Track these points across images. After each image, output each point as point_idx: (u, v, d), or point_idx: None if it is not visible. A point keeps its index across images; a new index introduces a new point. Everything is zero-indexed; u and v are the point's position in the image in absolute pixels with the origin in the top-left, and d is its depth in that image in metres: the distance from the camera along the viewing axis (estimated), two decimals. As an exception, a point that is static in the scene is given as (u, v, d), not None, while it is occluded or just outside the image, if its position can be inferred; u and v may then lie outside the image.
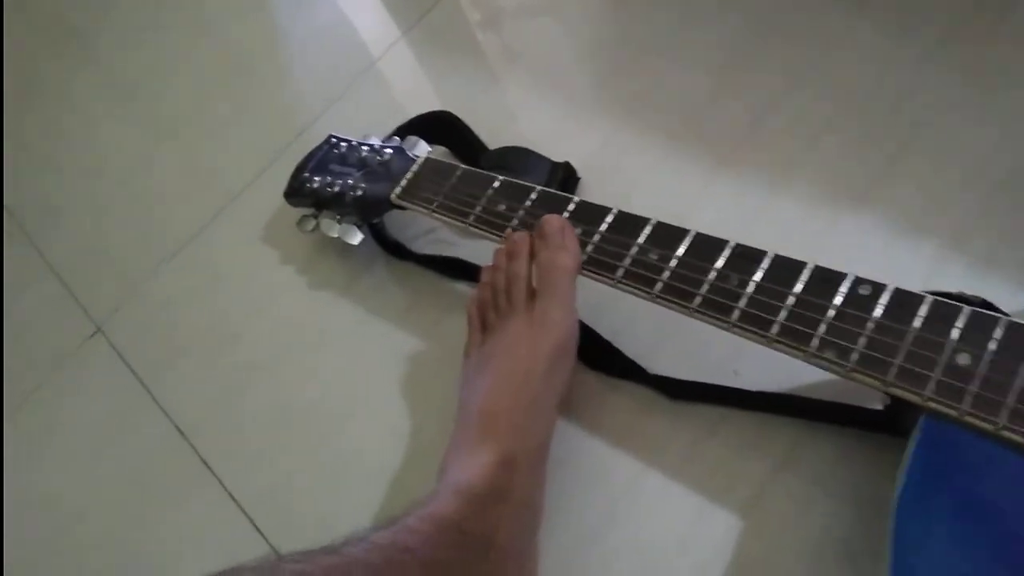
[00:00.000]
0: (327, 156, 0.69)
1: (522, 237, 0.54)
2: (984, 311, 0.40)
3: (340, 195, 0.66)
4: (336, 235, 0.66)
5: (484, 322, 0.55)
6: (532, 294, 0.53)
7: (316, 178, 0.68)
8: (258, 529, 0.61)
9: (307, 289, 0.72)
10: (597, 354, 0.57)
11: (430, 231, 0.69)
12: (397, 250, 0.68)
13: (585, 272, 0.52)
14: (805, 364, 0.44)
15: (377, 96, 0.83)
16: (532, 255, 0.54)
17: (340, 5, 0.94)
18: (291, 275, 0.73)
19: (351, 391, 0.65)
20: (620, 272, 0.50)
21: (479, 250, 0.65)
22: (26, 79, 1.04)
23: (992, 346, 0.38)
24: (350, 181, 0.66)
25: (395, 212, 0.66)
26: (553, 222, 0.53)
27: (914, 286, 0.43)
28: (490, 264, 0.57)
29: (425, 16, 0.86)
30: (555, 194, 0.56)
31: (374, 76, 0.85)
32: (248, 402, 0.67)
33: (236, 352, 0.70)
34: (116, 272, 0.80)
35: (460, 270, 0.65)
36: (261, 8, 0.99)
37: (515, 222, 0.56)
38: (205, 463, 0.65)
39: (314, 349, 0.68)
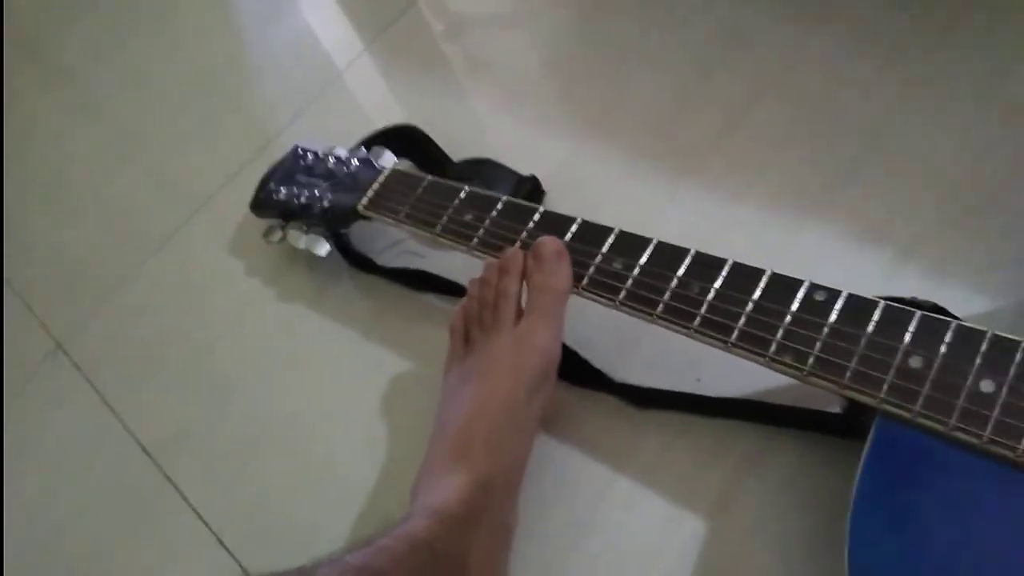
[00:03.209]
0: (293, 167, 0.69)
1: (515, 254, 0.53)
2: (935, 315, 0.41)
3: (307, 206, 0.66)
4: (303, 246, 0.66)
5: (467, 336, 0.54)
6: (519, 313, 0.52)
7: (282, 189, 0.68)
8: (227, 549, 0.60)
9: (274, 302, 0.71)
10: (563, 363, 0.57)
11: (396, 243, 0.69)
12: (363, 263, 0.68)
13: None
14: (766, 370, 0.45)
15: (342, 108, 0.83)
16: (524, 274, 0.53)
17: (305, 19, 0.94)
18: (258, 288, 0.73)
19: (319, 406, 0.64)
20: (585, 280, 0.51)
21: (445, 262, 0.65)
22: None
23: (943, 349, 0.40)
24: (317, 192, 0.66)
25: (361, 225, 0.66)
26: (549, 245, 0.52)
27: (871, 292, 0.44)
28: (477, 277, 0.56)
29: (389, 28, 0.87)
30: (521, 204, 0.57)
31: (339, 88, 0.85)
32: (214, 419, 0.66)
33: (202, 368, 0.70)
34: (79, 287, 0.79)
35: (425, 282, 0.65)
36: (226, 22, 0.99)
37: (481, 231, 0.56)
38: (172, 483, 0.64)
39: (281, 363, 0.68)
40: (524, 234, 0.55)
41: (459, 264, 0.64)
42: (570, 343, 0.57)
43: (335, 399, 0.64)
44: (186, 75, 0.94)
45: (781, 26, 0.70)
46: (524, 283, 0.53)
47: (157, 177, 0.85)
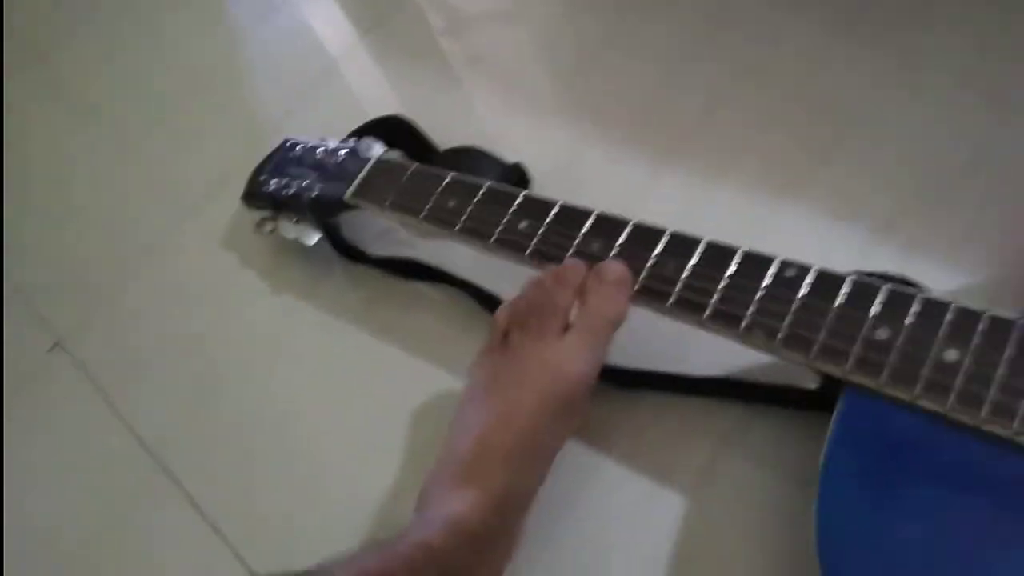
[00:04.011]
0: (283, 159, 0.71)
1: (577, 266, 0.51)
2: (902, 287, 0.41)
3: (296, 196, 0.67)
4: (293, 236, 0.68)
5: (507, 335, 0.52)
6: (565, 327, 0.50)
7: (272, 181, 0.69)
8: (229, 544, 0.61)
9: (269, 295, 0.72)
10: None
11: (386, 233, 0.70)
12: (353, 254, 0.69)
13: (531, 264, 0.54)
14: (747, 348, 0.45)
15: (337, 101, 0.84)
16: (579, 289, 0.50)
17: (300, 14, 0.95)
18: (253, 281, 0.73)
19: (314, 397, 0.65)
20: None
21: (434, 251, 0.66)
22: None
23: (909, 320, 0.40)
24: (305, 183, 0.67)
25: (353, 216, 0.67)
26: (615, 270, 0.49)
27: (849, 268, 0.44)
28: (534, 277, 0.53)
29: (384, 21, 0.88)
30: (502, 189, 0.57)
31: (334, 82, 0.86)
32: (214, 412, 0.67)
33: (199, 362, 0.70)
34: (79, 287, 0.80)
35: (415, 271, 0.66)
36: (220, 20, 1.00)
37: (464, 217, 0.57)
38: (173, 478, 0.65)
39: (278, 355, 0.69)
40: (507, 218, 0.56)
41: (447, 253, 0.65)
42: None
43: (329, 390, 0.65)
44: (181, 75, 0.95)
45: (764, 10, 0.71)
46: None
47: (153, 177, 0.86)
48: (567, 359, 0.48)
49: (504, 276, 0.57)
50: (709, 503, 0.51)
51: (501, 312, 0.53)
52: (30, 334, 0.78)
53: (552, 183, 0.68)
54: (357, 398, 0.64)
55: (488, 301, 0.61)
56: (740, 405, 0.53)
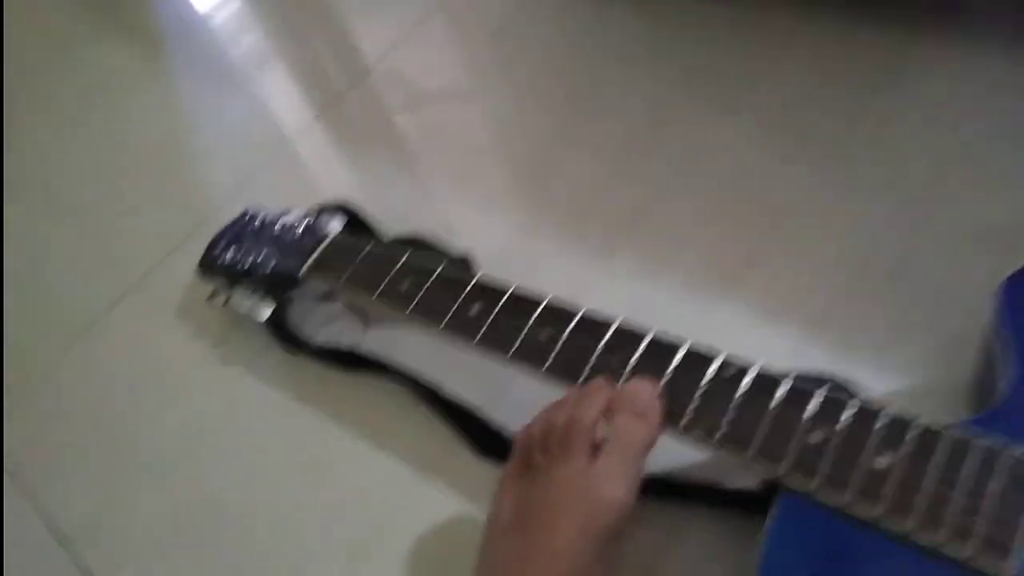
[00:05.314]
0: (241, 230, 0.71)
1: (601, 385, 0.48)
2: (836, 394, 0.42)
3: (251, 270, 0.67)
4: (244, 312, 0.67)
5: (529, 458, 0.47)
6: (594, 447, 0.45)
7: (228, 252, 0.69)
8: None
9: (212, 374, 0.71)
10: (490, 442, 0.58)
11: (331, 321, 0.70)
12: (292, 342, 0.68)
13: (479, 349, 0.54)
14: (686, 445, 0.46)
15: (289, 180, 0.85)
16: (606, 407, 0.47)
17: (255, 90, 0.97)
18: (195, 359, 0.72)
19: (259, 487, 0.63)
20: (511, 350, 0.52)
21: (376, 342, 0.67)
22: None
23: (842, 425, 0.41)
24: (262, 257, 0.67)
25: (298, 302, 0.67)
26: (645, 390, 0.46)
27: (783, 365, 0.45)
28: (555, 401, 0.49)
29: (340, 100, 0.90)
30: (455, 275, 0.58)
31: (287, 161, 0.87)
32: (141, 506, 0.65)
33: (131, 451, 0.68)
34: (16, 365, 0.78)
35: (354, 362, 0.66)
36: (176, 97, 1.01)
37: (416, 301, 0.58)
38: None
39: (214, 443, 0.67)
40: (458, 303, 0.56)
41: (393, 341, 0.66)
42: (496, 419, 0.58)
43: (273, 480, 0.63)
44: (134, 151, 0.95)
45: (704, 111, 0.74)
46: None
47: (94, 251, 0.86)
48: (603, 485, 0.43)
49: (451, 366, 0.58)
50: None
51: (521, 434, 0.49)
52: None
53: (500, 270, 0.68)
54: (301, 487, 0.62)
55: (426, 393, 0.61)
56: (676, 505, 0.52)
